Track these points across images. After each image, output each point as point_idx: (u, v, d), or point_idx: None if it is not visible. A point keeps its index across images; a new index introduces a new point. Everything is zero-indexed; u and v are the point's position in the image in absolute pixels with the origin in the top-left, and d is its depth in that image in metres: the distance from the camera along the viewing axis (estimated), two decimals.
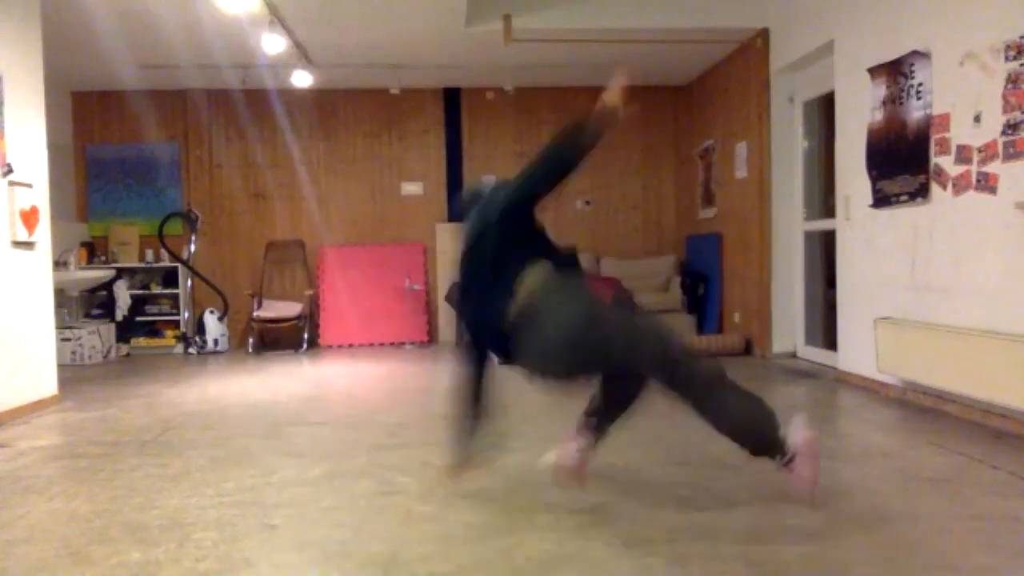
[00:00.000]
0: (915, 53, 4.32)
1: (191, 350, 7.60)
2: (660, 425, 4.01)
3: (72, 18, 5.61)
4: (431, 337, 8.06)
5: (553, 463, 2.77)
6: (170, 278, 7.87)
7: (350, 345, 7.86)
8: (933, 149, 4.19)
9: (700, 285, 7.50)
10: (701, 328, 7.37)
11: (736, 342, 6.63)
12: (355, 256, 8.10)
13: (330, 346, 7.84)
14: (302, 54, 6.69)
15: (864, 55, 4.85)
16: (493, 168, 8.29)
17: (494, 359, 2.68)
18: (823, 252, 6.01)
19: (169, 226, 7.70)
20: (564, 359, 2.48)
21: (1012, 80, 3.61)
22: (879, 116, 4.70)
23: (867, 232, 4.88)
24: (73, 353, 6.86)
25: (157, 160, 8.01)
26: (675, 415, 4.32)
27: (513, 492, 2.69)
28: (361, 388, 5.63)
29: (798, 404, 4.72)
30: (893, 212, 4.59)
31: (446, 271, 7.79)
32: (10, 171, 4.55)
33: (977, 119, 3.85)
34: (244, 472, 3.21)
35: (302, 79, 7.04)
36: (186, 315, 7.78)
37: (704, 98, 7.75)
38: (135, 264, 7.85)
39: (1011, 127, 3.62)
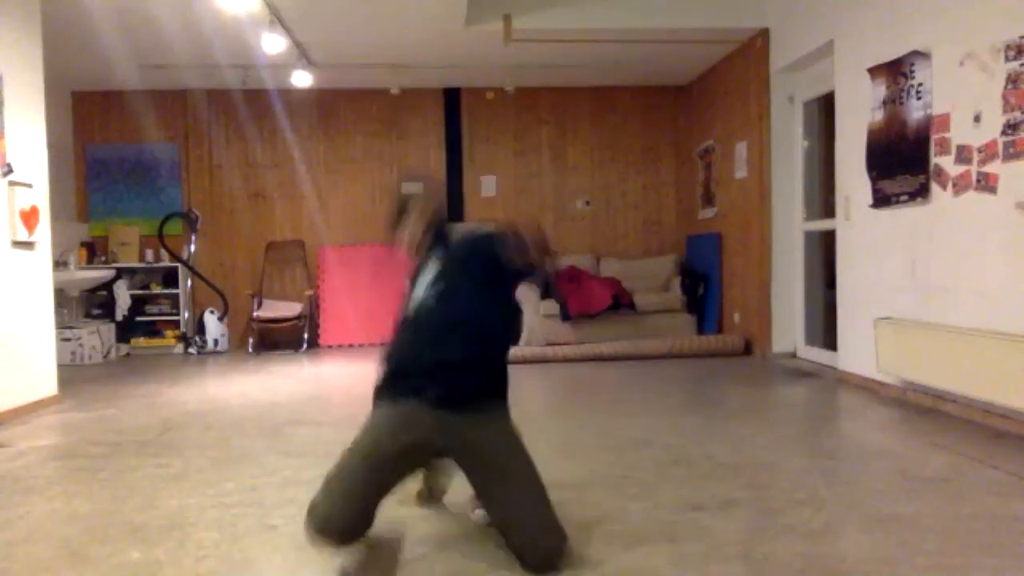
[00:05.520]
0: (915, 53, 4.32)
1: (191, 350, 7.60)
2: (659, 425, 4.01)
3: (72, 18, 5.61)
4: None
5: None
6: (170, 278, 7.87)
7: (350, 345, 7.86)
8: (933, 149, 4.19)
9: (700, 285, 7.50)
10: (701, 328, 7.36)
11: (736, 342, 6.63)
12: (355, 256, 8.09)
13: (330, 346, 7.84)
14: (302, 54, 6.69)
15: (864, 55, 4.84)
16: (493, 168, 8.31)
17: None
18: (823, 252, 6.01)
19: (169, 226, 7.69)
20: None
21: (1012, 80, 3.61)
22: (879, 116, 4.70)
23: (867, 232, 4.88)
24: (73, 353, 6.86)
25: (157, 160, 8.00)
26: (674, 416, 4.35)
27: None
28: (361, 388, 5.61)
29: (798, 404, 4.73)
30: (893, 212, 4.59)
31: None
32: (10, 171, 4.55)
33: (977, 119, 3.85)
34: (244, 472, 3.21)
35: (302, 79, 7.04)
36: (186, 315, 7.78)
37: (704, 98, 7.75)
38: (135, 264, 7.85)
39: (1011, 127, 3.62)
